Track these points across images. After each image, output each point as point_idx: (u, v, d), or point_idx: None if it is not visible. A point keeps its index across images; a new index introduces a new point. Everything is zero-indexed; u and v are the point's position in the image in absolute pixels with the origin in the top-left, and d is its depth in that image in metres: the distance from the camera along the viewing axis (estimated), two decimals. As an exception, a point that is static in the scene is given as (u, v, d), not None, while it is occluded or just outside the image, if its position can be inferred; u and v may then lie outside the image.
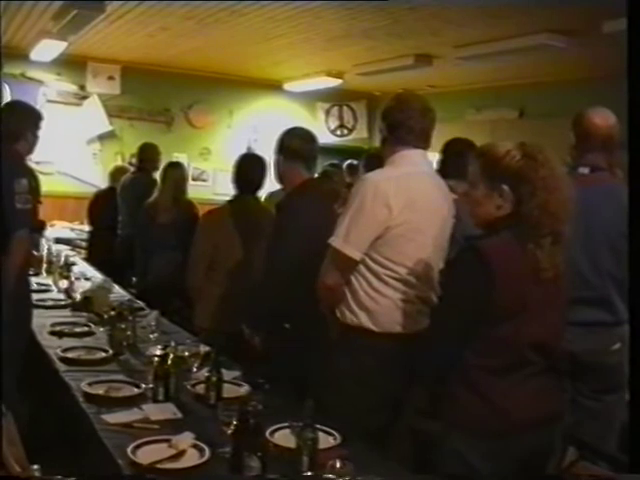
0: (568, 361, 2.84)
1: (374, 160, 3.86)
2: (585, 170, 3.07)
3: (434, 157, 3.62)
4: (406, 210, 2.74)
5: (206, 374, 2.73)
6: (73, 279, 4.93)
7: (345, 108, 10.21)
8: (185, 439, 2.27)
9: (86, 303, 4.26)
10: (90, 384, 2.81)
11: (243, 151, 6.48)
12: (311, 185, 3.49)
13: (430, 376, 2.38)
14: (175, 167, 5.70)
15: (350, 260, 2.76)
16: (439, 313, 2.44)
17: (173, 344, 2.88)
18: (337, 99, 10.09)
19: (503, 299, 2.14)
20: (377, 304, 2.79)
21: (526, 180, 2.16)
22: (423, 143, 2.90)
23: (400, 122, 2.85)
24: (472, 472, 2.18)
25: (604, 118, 3.10)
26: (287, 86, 9.57)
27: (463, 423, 2.23)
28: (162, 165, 5.92)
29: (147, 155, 6.45)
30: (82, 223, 7.81)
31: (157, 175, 5.95)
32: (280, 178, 3.56)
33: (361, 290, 2.81)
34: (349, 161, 7.11)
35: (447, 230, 2.93)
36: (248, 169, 4.17)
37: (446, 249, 2.89)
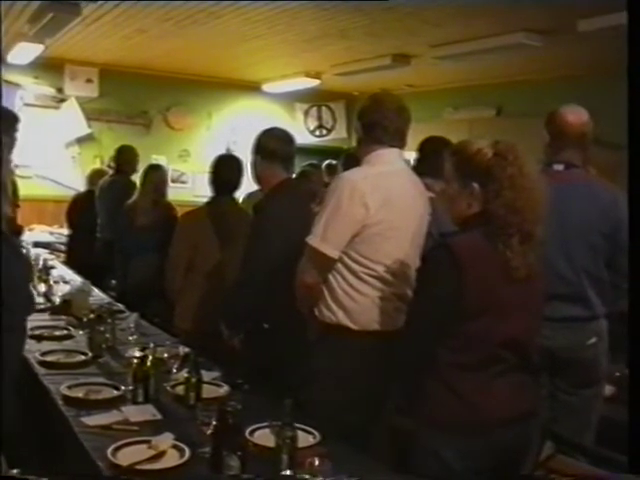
0: (545, 356, 2.87)
1: (352, 160, 3.86)
2: (560, 167, 3.09)
3: (411, 155, 3.65)
4: (383, 208, 2.75)
5: (185, 375, 2.74)
6: (52, 282, 4.92)
7: (324, 108, 10.21)
8: (165, 440, 2.27)
9: (65, 306, 4.24)
10: (69, 387, 2.80)
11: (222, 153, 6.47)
12: (288, 185, 3.50)
13: (406, 373, 2.39)
14: (155, 169, 5.66)
15: (328, 258, 2.78)
16: (412, 310, 2.44)
17: (152, 346, 2.89)
18: (316, 100, 10.09)
19: (473, 296, 2.14)
20: (355, 302, 2.80)
21: (493, 178, 2.17)
22: (398, 142, 2.91)
23: (375, 122, 2.87)
24: (447, 469, 2.18)
25: (577, 116, 3.12)
26: (265, 87, 9.56)
27: (436, 420, 2.23)
28: (141, 167, 5.89)
29: (124, 157, 6.42)
30: (61, 227, 7.77)
31: (135, 177, 5.93)
32: (257, 179, 3.55)
33: (339, 288, 2.82)
34: (328, 161, 7.10)
35: (423, 228, 2.95)
36: (224, 170, 4.16)
37: (422, 246, 2.91)
